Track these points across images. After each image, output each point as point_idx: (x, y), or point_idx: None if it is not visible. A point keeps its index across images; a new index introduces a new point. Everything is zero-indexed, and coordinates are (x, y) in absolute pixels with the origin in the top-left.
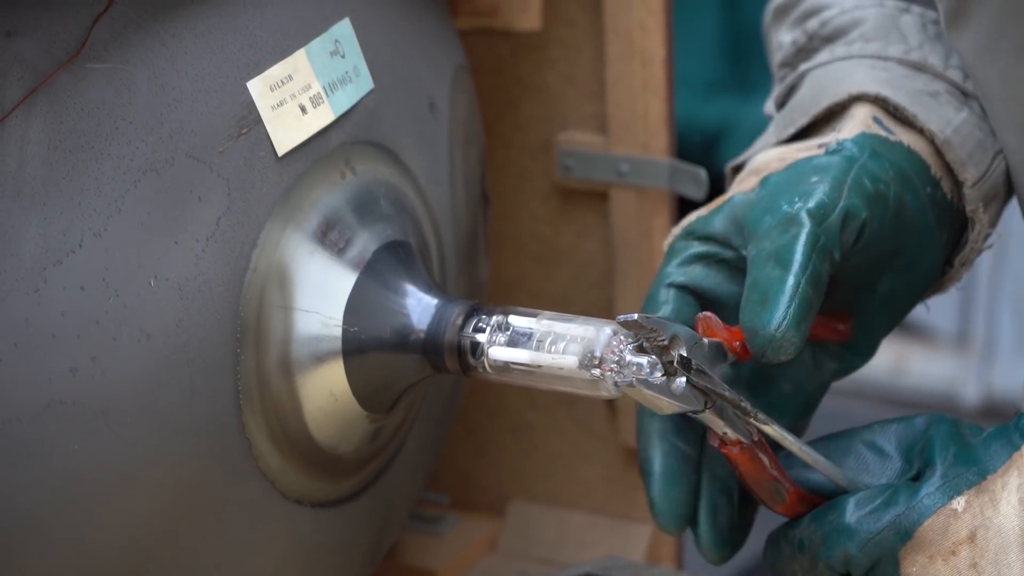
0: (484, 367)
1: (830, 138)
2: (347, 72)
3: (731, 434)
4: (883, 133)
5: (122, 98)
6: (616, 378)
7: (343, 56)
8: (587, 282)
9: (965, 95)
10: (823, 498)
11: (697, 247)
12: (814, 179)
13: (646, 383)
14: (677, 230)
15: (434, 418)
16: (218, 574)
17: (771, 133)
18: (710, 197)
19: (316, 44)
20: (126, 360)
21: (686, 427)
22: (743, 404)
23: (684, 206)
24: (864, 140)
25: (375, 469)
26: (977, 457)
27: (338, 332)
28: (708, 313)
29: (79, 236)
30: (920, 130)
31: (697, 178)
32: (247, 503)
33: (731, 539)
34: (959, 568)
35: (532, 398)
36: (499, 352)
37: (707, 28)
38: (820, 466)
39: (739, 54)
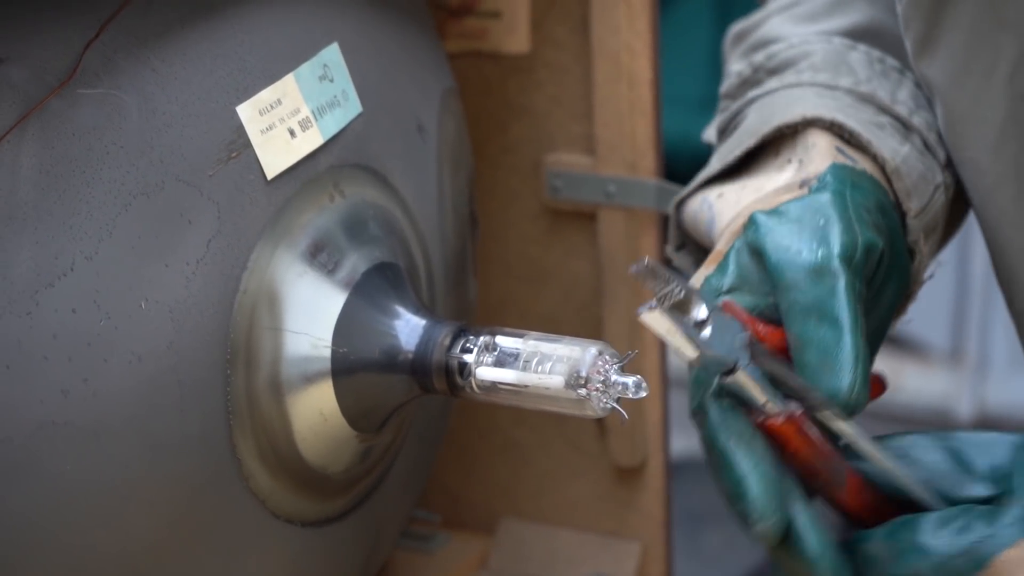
0: (472, 387)
1: (805, 173)
2: (336, 96)
3: (772, 404)
4: (849, 163)
5: (113, 123)
6: (602, 398)
7: (331, 80)
8: (576, 302)
9: (908, 129)
10: (883, 492)
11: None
12: (820, 221)
13: (670, 313)
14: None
15: (424, 437)
16: None
17: (715, 161)
18: None
19: (305, 68)
20: (117, 381)
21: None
22: (814, 393)
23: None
24: (839, 172)
25: (365, 488)
26: None
27: (327, 353)
28: (729, 300)
29: (71, 259)
30: (873, 157)
31: None
32: (238, 522)
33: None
34: None
35: (521, 417)
36: (486, 372)
37: (699, 45)
38: (896, 472)
39: None
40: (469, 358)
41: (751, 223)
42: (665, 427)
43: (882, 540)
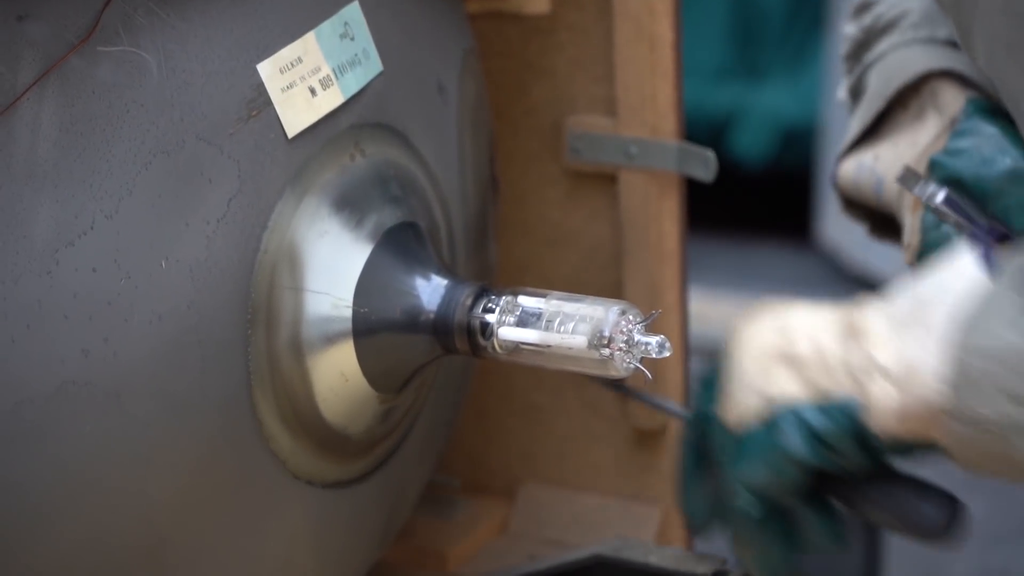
0: (494, 347)
1: (947, 116)
2: (356, 55)
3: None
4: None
5: (133, 81)
6: (625, 358)
7: (352, 39)
8: (596, 264)
9: None
10: None
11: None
12: (991, 138)
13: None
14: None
15: (444, 400)
16: (230, 554)
17: (855, 124)
18: (718, 180)
19: (326, 26)
20: (138, 341)
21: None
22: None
23: (692, 188)
24: (977, 103)
25: (386, 450)
26: None
27: (348, 313)
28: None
29: (91, 218)
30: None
31: (706, 160)
32: (258, 483)
33: None
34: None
35: (541, 380)
36: (509, 332)
37: (716, 14)
38: None
39: (748, 40)
40: (491, 318)
41: (935, 165)
42: (686, 389)
43: None
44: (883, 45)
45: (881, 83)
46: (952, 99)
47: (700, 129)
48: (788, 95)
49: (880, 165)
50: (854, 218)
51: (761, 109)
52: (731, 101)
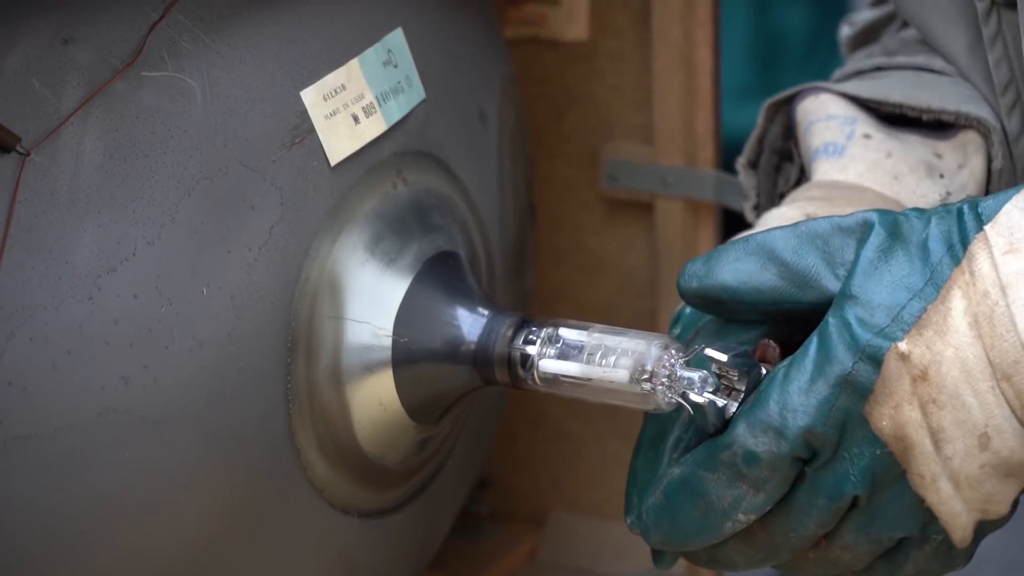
0: (534, 379)
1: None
2: (399, 82)
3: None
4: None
5: (177, 106)
6: (667, 393)
7: (395, 66)
8: (631, 292)
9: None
10: None
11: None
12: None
13: (715, 406)
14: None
15: (479, 430)
16: None
17: (862, 86)
18: None
19: (370, 53)
20: (178, 368)
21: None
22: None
23: (729, 218)
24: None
25: (422, 480)
26: (913, 281)
27: (388, 342)
28: (770, 342)
29: (133, 244)
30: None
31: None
32: (295, 512)
33: None
34: (924, 407)
35: (573, 408)
36: (550, 365)
37: (738, 34)
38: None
39: (770, 61)
40: (532, 350)
41: (867, 224)
42: None
43: (747, 430)
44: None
45: (912, 86)
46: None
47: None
48: None
49: (858, 146)
50: (748, 179)
51: None
52: (752, 122)
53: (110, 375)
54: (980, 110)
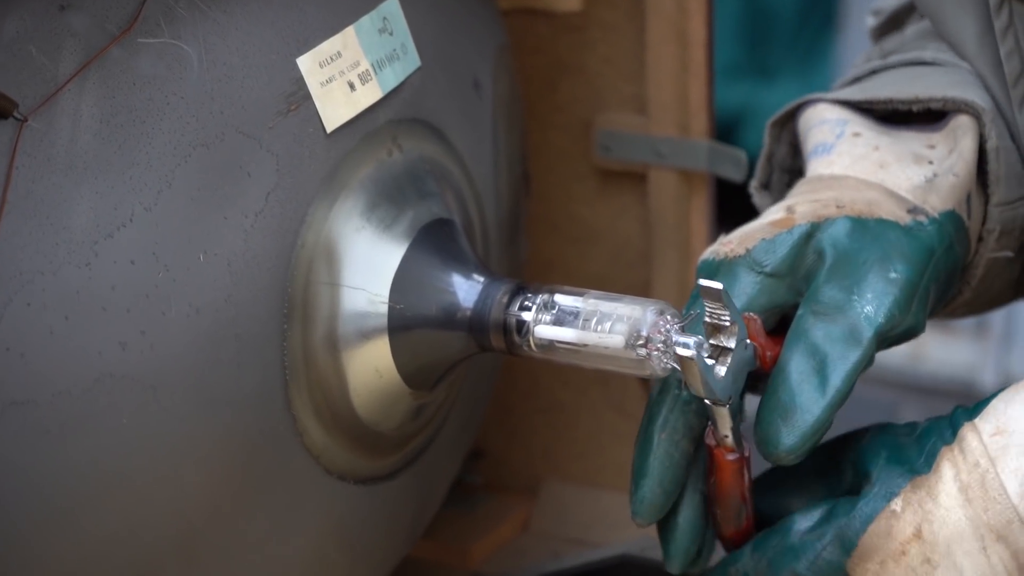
0: (529, 345)
1: (927, 199)
2: (395, 49)
3: (731, 439)
4: (965, 216)
5: (173, 73)
6: (663, 358)
7: (391, 33)
8: (624, 263)
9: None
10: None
11: (759, 289)
12: (892, 274)
13: (702, 360)
14: (739, 249)
15: (473, 397)
16: (261, 548)
17: (855, 88)
18: (748, 179)
19: (365, 21)
20: (175, 334)
21: (693, 435)
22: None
23: (722, 188)
24: (948, 225)
25: (417, 447)
26: (909, 457)
27: (384, 309)
28: (754, 316)
29: (130, 210)
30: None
31: (737, 160)
32: (291, 478)
33: (699, 557)
34: (912, 567)
35: (566, 379)
36: (545, 331)
37: (727, 12)
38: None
39: (758, 39)
40: (527, 316)
41: (836, 227)
42: None
43: (751, 556)
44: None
45: (906, 80)
46: (949, 190)
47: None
48: (799, 94)
49: (846, 144)
50: (763, 200)
51: (772, 108)
52: (742, 100)
53: (108, 341)
54: (968, 93)
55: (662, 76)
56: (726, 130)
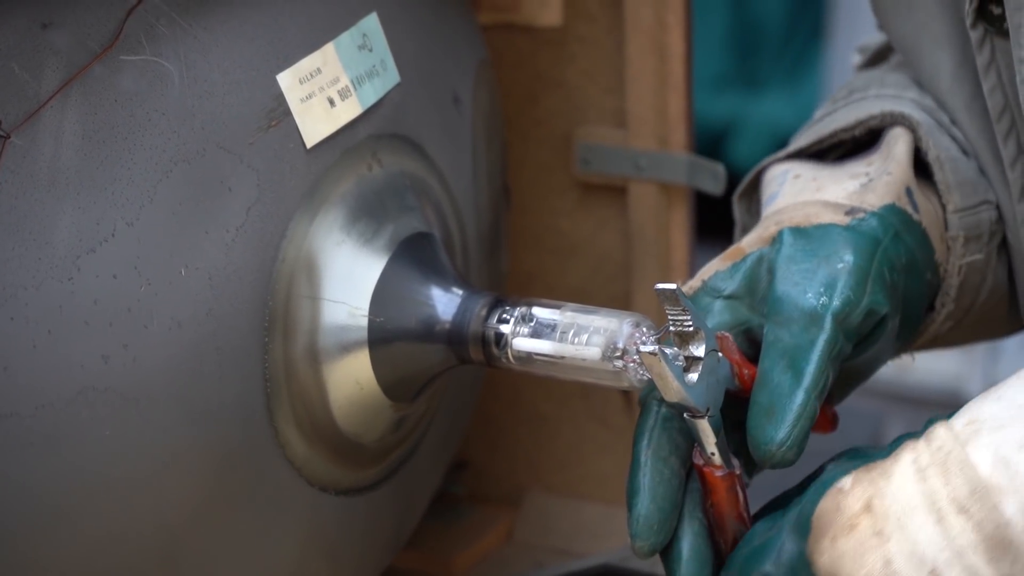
0: (508, 358)
1: (863, 199)
2: (374, 65)
3: (718, 457)
4: (909, 210)
5: (155, 90)
6: (639, 370)
7: (370, 50)
8: (604, 275)
9: (965, 153)
10: None
11: (721, 309)
12: (839, 264)
13: (667, 356)
14: (696, 282)
15: (454, 409)
16: (244, 559)
17: (801, 136)
18: (727, 192)
19: (344, 38)
20: (157, 348)
21: (680, 453)
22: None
23: (701, 201)
24: (890, 217)
25: (398, 458)
26: (871, 455)
27: (364, 322)
28: (727, 334)
29: (112, 225)
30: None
31: (715, 173)
32: (273, 490)
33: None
34: (862, 540)
35: (547, 390)
36: (523, 343)
37: (715, 23)
38: None
39: (747, 50)
40: (506, 329)
41: (779, 240)
42: None
43: (724, 573)
44: (854, 96)
45: (844, 114)
46: (885, 188)
47: (699, 138)
48: (787, 105)
49: (789, 187)
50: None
51: (760, 118)
52: (730, 110)
53: (90, 354)
54: (902, 107)
55: (641, 90)
56: (715, 141)
